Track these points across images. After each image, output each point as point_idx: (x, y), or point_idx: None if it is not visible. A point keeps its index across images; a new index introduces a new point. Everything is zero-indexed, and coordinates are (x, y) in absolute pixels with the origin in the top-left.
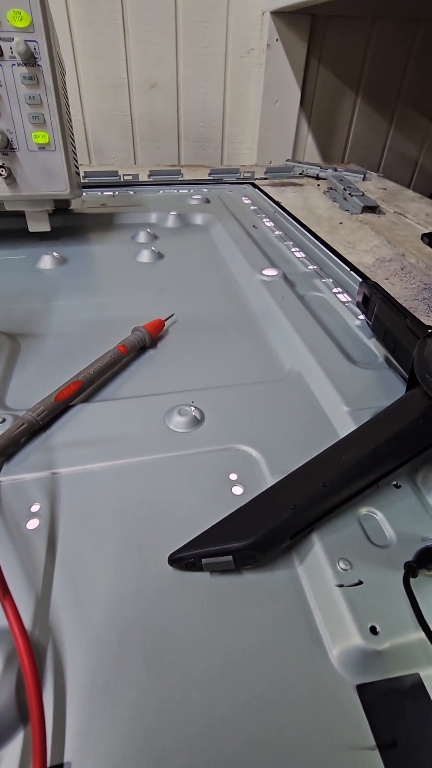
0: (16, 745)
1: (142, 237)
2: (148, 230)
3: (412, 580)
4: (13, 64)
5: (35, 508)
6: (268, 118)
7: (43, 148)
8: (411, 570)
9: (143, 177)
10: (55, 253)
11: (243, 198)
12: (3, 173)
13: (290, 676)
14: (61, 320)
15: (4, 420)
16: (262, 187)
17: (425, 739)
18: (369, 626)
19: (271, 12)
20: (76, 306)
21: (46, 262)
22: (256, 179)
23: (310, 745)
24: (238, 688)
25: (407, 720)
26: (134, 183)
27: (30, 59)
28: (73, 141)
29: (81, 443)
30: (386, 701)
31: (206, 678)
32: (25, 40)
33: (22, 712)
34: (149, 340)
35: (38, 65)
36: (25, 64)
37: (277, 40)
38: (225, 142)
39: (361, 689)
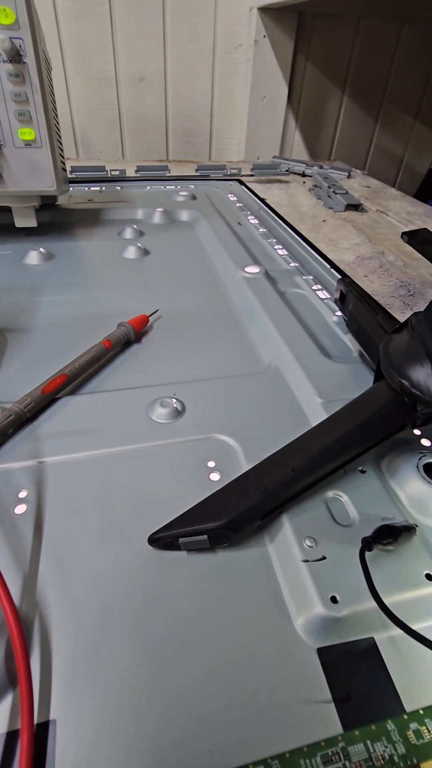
0: (5, 705)
1: (128, 233)
2: (135, 226)
3: (367, 554)
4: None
5: (23, 494)
6: (256, 114)
7: (30, 145)
8: (367, 544)
9: (130, 172)
10: (41, 249)
11: (229, 195)
12: None
13: (258, 641)
14: (47, 315)
15: None
16: (248, 184)
17: (376, 693)
18: (330, 596)
19: (258, 8)
20: (62, 301)
21: (33, 257)
22: (242, 176)
23: (273, 700)
24: (211, 652)
25: (361, 677)
26: (121, 179)
27: (15, 56)
28: (60, 137)
29: (67, 434)
30: (343, 661)
31: (181, 644)
32: (11, 38)
33: (11, 677)
34: (134, 335)
35: (24, 62)
36: (10, 61)
37: (264, 36)
38: (213, 138)
39: (321, 652)
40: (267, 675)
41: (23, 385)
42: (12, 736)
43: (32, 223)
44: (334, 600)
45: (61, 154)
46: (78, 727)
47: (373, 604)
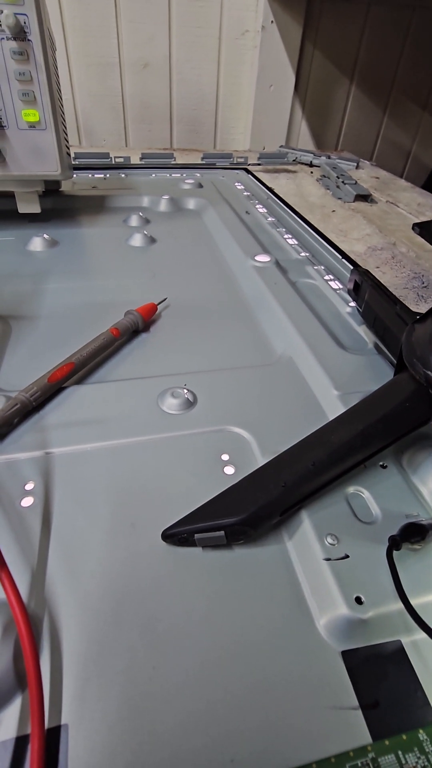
0: (14, 709)
1: (134, 221)
2: (140, 214)
3: (395, 553)
4: (2, 38)
5: (29, 486)
6: (262, 102)
7: (34, 127)
8: (395, 543)
9: (135, 160)
10: (45, 235)
11: (236, 183)
12: None
13: (280, 643)
14: (53, 303)
15: None
16: (255, 173)
17: (405, 699)
18: (354, 597)
19: None
20: (68, 289)
21: (37, 244)
22: (249, 165)
23: (298, 706)
24: (229, 654)
25: (388, 683)
26: (126, 166)
27: (20, 33)
28: (64, 120)
29: (74, 424)
30: (369, 666)
31: (198, 645)
32: (15, 13)
33: (20, 678)
34: (142, 323)
35: (28, 40)
36: (14, 39)
37: (272, 22)
38: (218, 127)
39: (346, 655)
40: (290, 679)
41: (28, 373)
42: (22, 741)
43: (36, 208)
44: (359, 601)
45: (65, 138)
46: (91, 732)
47: (399, 605)
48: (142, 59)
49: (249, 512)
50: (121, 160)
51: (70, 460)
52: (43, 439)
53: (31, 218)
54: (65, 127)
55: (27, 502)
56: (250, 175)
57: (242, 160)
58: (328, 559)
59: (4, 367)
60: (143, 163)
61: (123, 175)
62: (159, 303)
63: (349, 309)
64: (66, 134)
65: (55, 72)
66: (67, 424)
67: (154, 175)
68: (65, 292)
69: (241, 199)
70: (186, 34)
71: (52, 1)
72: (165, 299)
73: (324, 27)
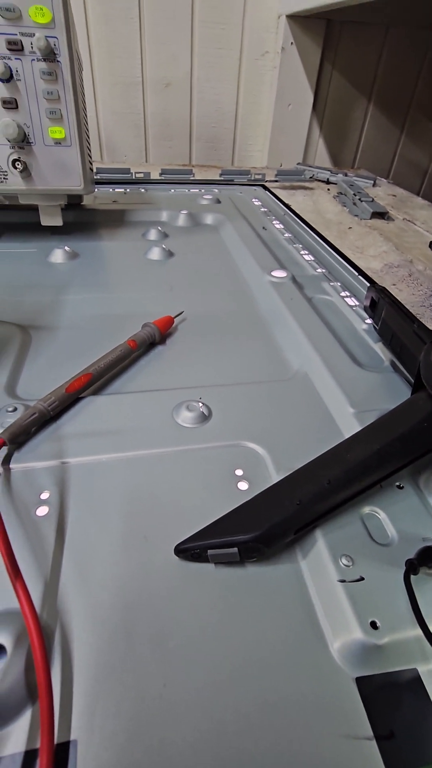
0: (24, 722)
1: (152, 234)
2: (159, 228)
3: (412, 577)
4: (33, 59)
5: (45, 495)
6: (281, 121)
7: (59, 144)
8: (412, 567)
9: (155, 175)
10: (66, 248)
11: (253, 200)
12: (19, 167)
13: (291, 665)
14: (72, 314)
15: (15, 409)
16: (272, 190)
17: (422, 732)
18: (369, 621)
19: (286, 16)
20: (87, 300)
21: (58, 255)
22: (266, 181)
23: (309, 731)
24: (240, 674)
25: (404, 713)
26: (146, 181)
27: (50, 55)
28: (88, 137)
29: (90, 434)
30: (384, 694)
31: (210, 663)
32: (46, 36)
33: (30, 690)
34: (159, 336)
35: (57, 61)
36: (44, 60)
37: (291, 43)
38: (236, 144)
39: (360, 682)
40: (302, 703)
41: (47, 383)
42: (30, 756)
43: (58, 221)
44: (374, 625)
45: (89, 154)
46: (100, 749)
47: (415, 632)
48: (164, 79)
49: (263, 529)
50: (141, 175)
51: (86, 471)
52: (59, 449)
53: (53, 230)
54: (89, 144)
55: (42, 511)
56: (267, 192)
57: (260, 176)
58: (342, 581)
59: (23, 376)
60: (163, 178)
61: (143, 190)
62: (176, 316)
63: (365, 326)
64: (89, 150)
65: (82, 91)
66: (84, 434)
67: (173, 191)
68: (84, 304)
69: (258, 215)
70: (207, 55)
71: (80, 22)
72: (182, 312)
73: (343, 48)
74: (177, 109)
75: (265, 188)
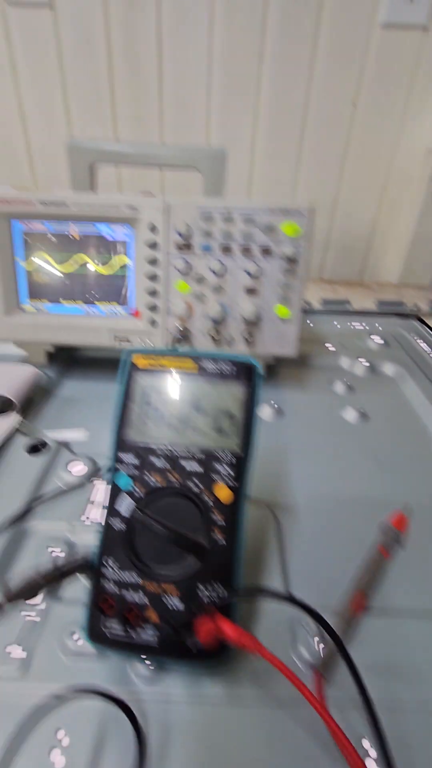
0: None
1: (339, 388)
2: (344, 380)
3: None
4: (278, 259)
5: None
6: (423, 234)
7: (283, 321)
8: None
9: (313, 302)
10: (273, 403)
11: (417, 339)
12: (249, 339)
13: None
14: (307, 490)
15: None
16: (429, 323)
17: None
18: None
19: None
20: (312, 476)
21: (267, 413)
22: (421, 313)
23: None
24: None
25: None
26: (309, 311)
27: (293, 258)
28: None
29: (377, 666)
30: None
31: None
32: (293, 245)
33: None
34: (401, 539)
35: (297, 261)
36: (287, 261)
37: None
38: (370, 254)
39: None
40: None
41: (313, 582)
42: None
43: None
44: None
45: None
46: None
47: None
48: (314, 201)
49: None
50: (306, 305)
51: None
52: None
53: None
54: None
55: None
56: (425, 327)
57: (414, 309)
58: None
59: (292, 568)
60: (323, 308)
61: (310, 324)
62: (404, 509)
63: None
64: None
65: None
66: (372, 665)
67: (337, 324)
68: (310, 480)
69: (429, 362)
70: (356, 179)
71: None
72: (407, 503)
73: None
74: (318, 225)
75: (422, 321)
